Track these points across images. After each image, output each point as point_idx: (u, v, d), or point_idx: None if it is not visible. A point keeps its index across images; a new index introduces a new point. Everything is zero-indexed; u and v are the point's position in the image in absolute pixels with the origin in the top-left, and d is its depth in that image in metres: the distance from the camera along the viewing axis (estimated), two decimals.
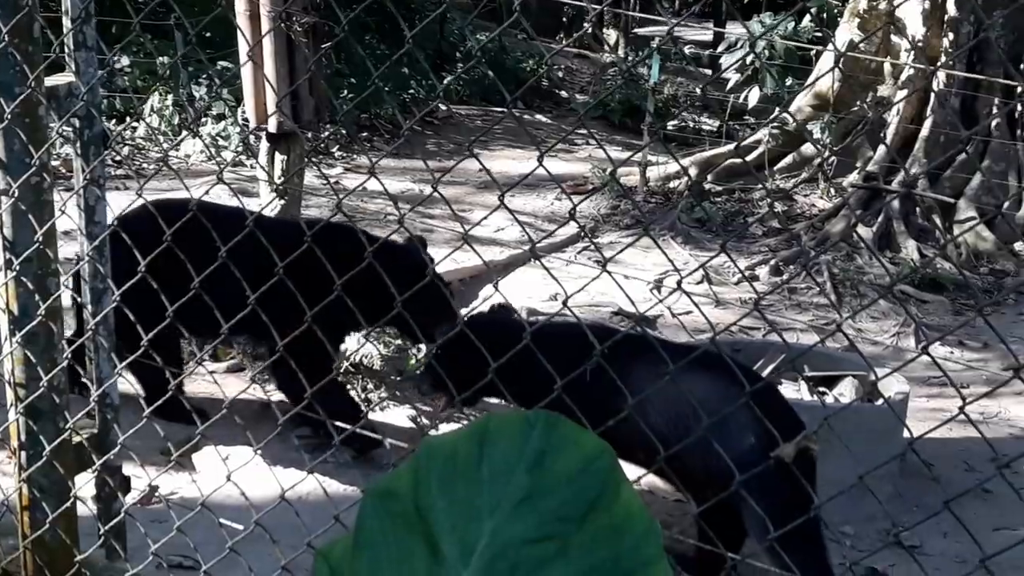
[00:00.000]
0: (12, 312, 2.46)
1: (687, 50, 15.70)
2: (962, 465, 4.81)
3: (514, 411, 4.01)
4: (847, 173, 8.81)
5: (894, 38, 8.92)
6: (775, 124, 8.93)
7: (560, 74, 13.50)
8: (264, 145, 5.25)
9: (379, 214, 7.52)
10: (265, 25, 4.77)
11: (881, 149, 8.60)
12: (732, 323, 2.18)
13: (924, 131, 8.51)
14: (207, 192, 2.36)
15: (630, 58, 13.97)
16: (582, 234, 7.40)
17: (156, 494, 3.70)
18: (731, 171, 8.99)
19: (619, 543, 0.98)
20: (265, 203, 5.13)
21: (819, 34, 9.55)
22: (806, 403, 4.27)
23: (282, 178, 5.14)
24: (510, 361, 2.01)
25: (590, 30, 13.89)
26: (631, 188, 8.76)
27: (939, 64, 8.38)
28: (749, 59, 8.85)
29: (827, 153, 8.85)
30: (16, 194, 2.38)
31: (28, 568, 2.57)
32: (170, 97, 8.46)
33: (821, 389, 4.62)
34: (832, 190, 8.71)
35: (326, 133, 9.00)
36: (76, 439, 2.56)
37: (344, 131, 9.29)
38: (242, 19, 4.85)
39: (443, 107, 10.51)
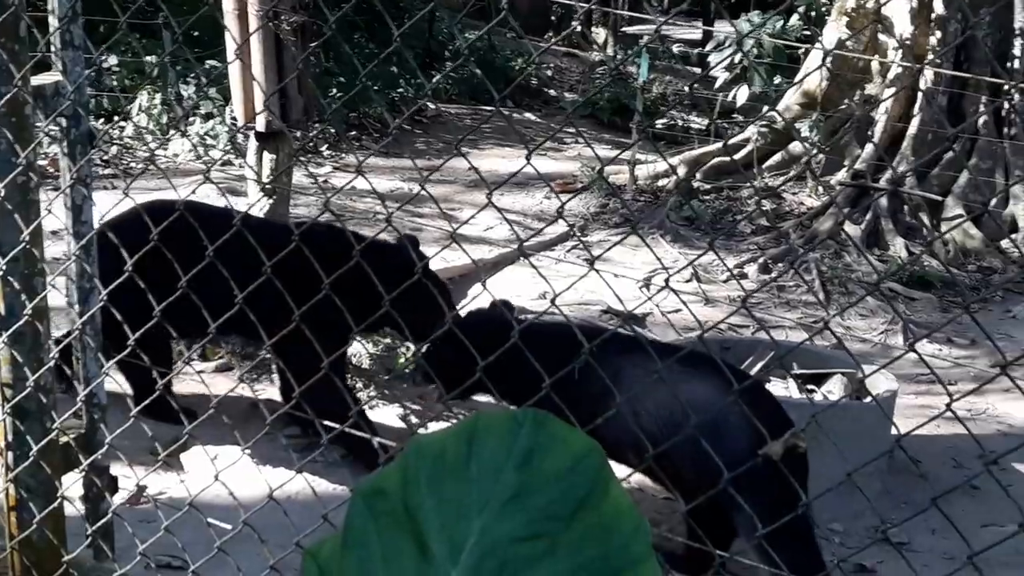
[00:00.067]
0: None
1: (676, 49, 15.70)
2: (950, 462, 4.83)
3: (503, 410, 4.01)
4: (835, 171, 8.83)
5: (881, 36, 8.94)
6: (763, 122, 8.95)
7: (549, 73, 13.49)
8: (252, 144, 5.24)
9: (368, 213, 7.51)
10: (253, 24, 4.75)
11: (869, 147, 8.62)
12: (720, 321, 2.19)
13: (912, 129, 8.54)
14: (194, 191, 2.36)
15: (619, 57, 13.98)
16: (571, 232, 7.40)
17: (144, 494, 3.70)
18: (720, 169, 9.00)
19: (608, 541, 0.98)
20: (253, 202, 5.12)
21: (807, 32, 9.57)
22: (795, 401, 4.28)
23: (270, 177, 5.13)
24: (500, 360, 2.01)
25: (578, 28, 13.92)
26: (620, 187, 8.77)
27: (926, 62, 8.41)
28: (737, 58, 8.87)
29: (815, 151, 8.87)
30: (2, 193, 2.37)
31: (15, 568, 2.57)
32: (158, 96, 8.43)
33: (810, 387, 4.63)
34: (820, 188, 8.73)
35: (314, 132, 8.99)
36: (63, 439, 2.55)
37: (333, 130, 9.27)
38: (230, 18, 4.84)
39: (431, 106, 10.50)
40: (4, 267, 2.41)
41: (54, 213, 2.48)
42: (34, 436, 2.50)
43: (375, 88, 10.01)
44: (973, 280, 7.54)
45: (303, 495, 3.57)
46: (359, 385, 4.93)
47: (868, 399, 4.47)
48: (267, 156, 5.17)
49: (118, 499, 2.76)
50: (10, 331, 2.45)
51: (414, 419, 4.77)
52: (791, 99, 9.21)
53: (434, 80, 10.49)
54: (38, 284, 2.47)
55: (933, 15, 8.60)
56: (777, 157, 9.10)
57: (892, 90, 8.70)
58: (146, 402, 2.52)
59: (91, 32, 7.30)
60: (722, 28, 12.58)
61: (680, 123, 11.50)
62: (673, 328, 5.90)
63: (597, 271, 1.87)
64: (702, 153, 9.19)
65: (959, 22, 8.34)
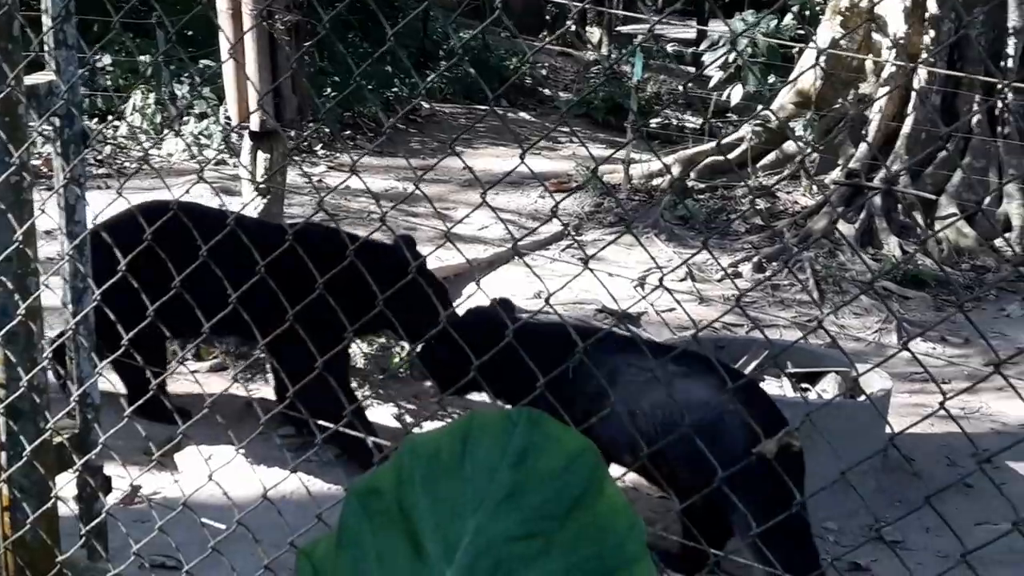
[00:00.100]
0: None
1: (670, 48, 15.71)
2: (944, 460, 4.84)
3: (498, 409, 4.01)
4: (829, 170, 8.84)
5: (875, 36, 8.95)
6: (757, 122, 8.96)
7: (544, 72, 13.48)
8: (247, 143, 5.23)
9: (362, 212, 7.51)
10: (247, 23, 4.75)
11: (863, 146, 8.63)
12: (714, 320, 2.19)
13: (906, 128, 8.55)
14: (187, 191, 2.35)
15: (613, 56, 13.98)
16: (565, 232, 7.40)
17: (138, 494, 3.69)
18: (714, 168, 9.00)
19: (602, 540, 0.98)
20: (247, 202, 5.12)
21: (801, 32, 9.58)
22: (789, 399, 4.29)
23: (265, 177, 5.12)
24: (496, 359, 2.01)
25: (573, 28, 13.91)
26: (615, 186, 8.77)
27: (920, 61, 8.42)
28: (731, 57, 8.87)
29: (809, 150, 8.88)
30: None
31: (9, 569, 2.56)
32: (152, 96, 8.42)
33: (804, 385, 4.63)
34: (815, 187, 8.74)
35: (308, 132, 8.98)
36: (57, 439, 2.55)
37: (327, 129, 9.26)
38: (224, 17, 4.83)
39: (426, 105, 10.49)
40: None
41: (47, 213, 2.48)
42: (27, 436, 2.49)
43: (369, 87, 10.00)
44: (967, 279, 7.55)
45: (297, 495, 3.57)
46: (353, 384, 4.93)
47: (862, 398, 4.48)
48: (261, 155, 5.16)
49: (112, 499, 2.75)
50: (4, 331, 2.44)
51: (408, 418, 4.77)
52: (785, 98, 9.22)
53: (428, 80, 10.49)
54: (31, 284, 2.47)
55: (927, 14, 8.61)
56: (772, 156, 9.11)
57: (886, 89, 8.71)
58: (140, 402, 2.52)
59: (85, 31, 7.28)
60: (716, 27, 12.58)
61: (675, 122, 11.50)
62: (667, 327, 5.90)
63: (591, 270, 1.87)
64: (696, 152, 9.20)
65: (953, 21, 8.35)
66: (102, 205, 2.51)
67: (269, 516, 2.31)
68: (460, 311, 4.00)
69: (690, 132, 10.67)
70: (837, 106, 9.03)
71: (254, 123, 5.05)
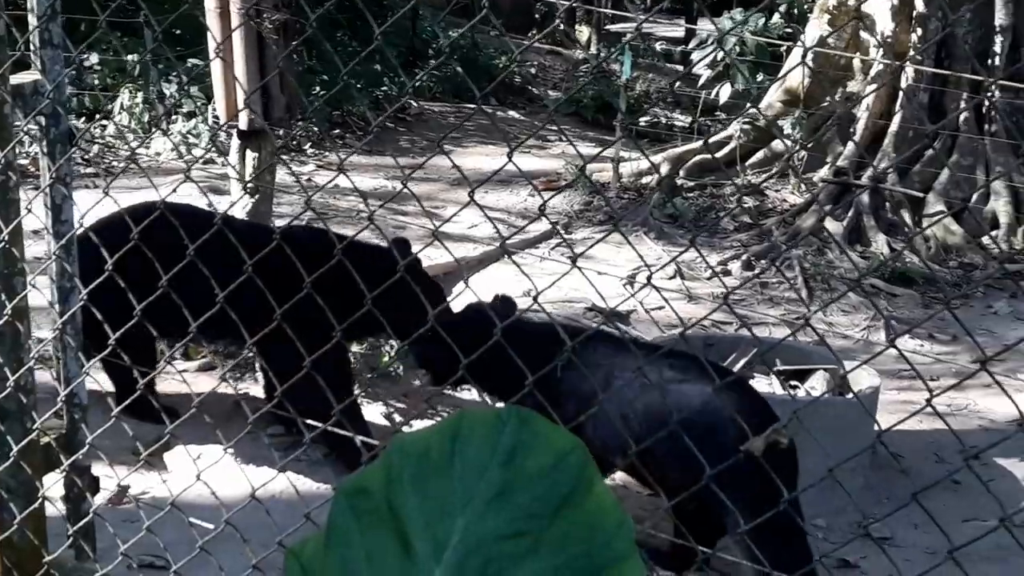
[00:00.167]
0: None
1: (658, 46, 15.72)
2: (932, 457, 4.85)
3: (487, 407, 4.01)
4: (818, 168, 8.86)
5: (863, 34, 8.98)
6: (746, 120, 8.97)
7: (533, 71, 13.49)
8: (235, 142, 5.22)
9: (351, 211, 7.49)
10: (235, 22, 4.73)
11: (851, 144, 8.66)
12: (702, 318, 2.19)
13: (893, 126, 8.57)
14: (174, 190, 2.34)
15: (602, 55, 13.98)
16: (554, 230, 7.40)
17: (127, 494, 3.68)
18: (703, 167, 9.01)
19: (591, 538, 0.98)
20: (235, 200, 5.10)
21: (789, 30, 9.60)
22: (778, 397, 4.29)
23: (253, 176, 5.11)
24: (489, 357, 2.01)
25: (561, 26, 13.91)
26: (604, 184, 8.78)
27: (907, 58, 8.45)
28: (719, 55, 8.88)
29: (797, 148, 8.90)
30: None
31: None
32: (140, 95, 8.39)
33: (793, 383, 4.64)
34: (803, 185, 8.76)
35: (297, 130, 8.97)
36: (44, 439, 2.54)
37: (316, 128, 9.25)
38: (212, 16, 4.82)
39: (414, 104, 10.48)
40: None
41: (34, 212, 2.47)
42: (14, 436, 2.48)
43: (358, 86, 9.98)
44: (954, 276, 7.58)
45: (286, 494, 3.57)
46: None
47: (850, 395, 4.49)
48: (250, 154, 5.15)
49: (99, 499, 2.75)
50: None
51: (398, 417, 4.76)
52: (774, 97, 9.23)
53: (416, 78, 10.48)
54: (18, 284, 2.46)
55: (914, 12, 8.64)
56: (760, 154, 9.13)
57: (873, 87, 8.73)
58: (127, 402, 2.52)
59: (72, 30, 7.26)
60: (705, 26, 12.60)
61: (663, 121, 11.52)
62: (656, 325, 5.91)
63: (579, 269, 1.87)
64: (685, 151, 9.21)
65: (940, 19, 8.38)
66: (90, 205, 2.51)
67: (257, 515, 2.30)
68: (457, 308, 3.99)
69: (679, 130, 10.68)
70: (825, 104, 9.05)
71: (242, 122, 5.04)
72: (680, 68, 13.97)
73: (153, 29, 7.80)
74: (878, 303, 6.88)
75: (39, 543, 2.55)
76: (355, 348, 5.16)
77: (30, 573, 2.53)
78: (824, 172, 8.71)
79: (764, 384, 4.55)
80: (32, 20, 2.39)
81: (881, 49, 8.74)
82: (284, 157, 8.34)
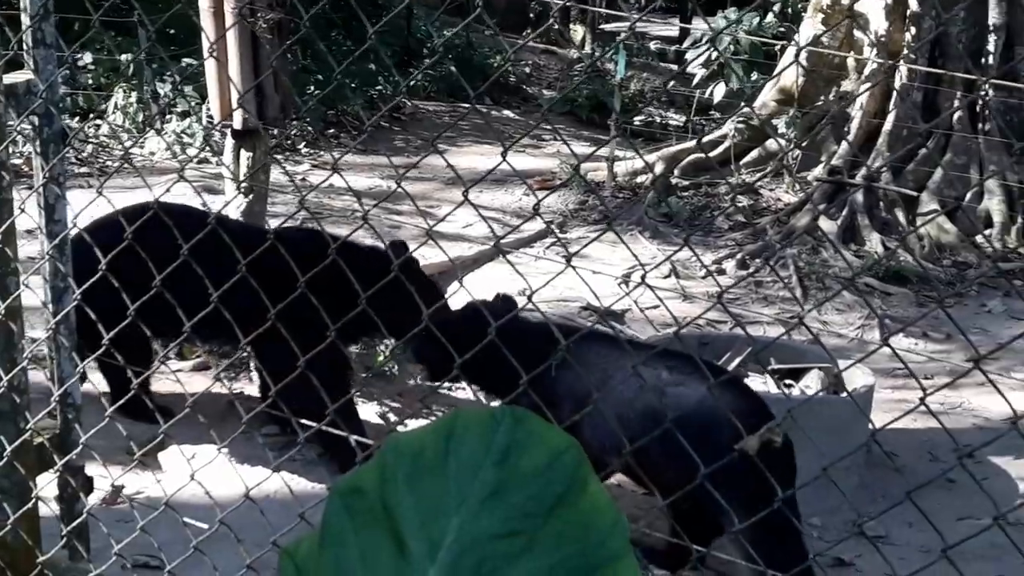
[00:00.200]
0: None
1: (653, 46, 15.72)
2: (927, 456, 4.86)
3: (482, 407, 4.01)
4: (812, 167, 8.87)
5: (857, 33, 8.99)
6: (740, 119, 8.98)
7: (527, 70, 13.49)
8: (229, 142, 5.21)
9: (346, 211, 7.49)
10: (229, 21, 4.73)
11: (845, 143, 8.66)
12: (696, 317, 2.19)
13: (887, 125, 8.58)
14: (168, 189, 2.34)
15: (596, 54, 13.98)
16: (549, 230, 7.41)
17: (121, 494, 3.68)
18: (697, 166, 9.02)
19: (586, 538, 0.98)
20: (229, 200, 5.09)
21: (782, 30, 9.61)
22: (772, 396, 4.30)
23: (247, 175, 5.10)
24: (487, 355, 2.01)
25: (556, 25, 13.90)
26: (599, 183, 8.78)
27: (900, 57, 8.46)
28: (714, 55, 8.89)
29: (791, 147, 8.91)
30: None
31: None
32: (134, 94, 8.38)
33: (787, 382, 4.65)
34: (797, 184, 8.77)
35: (291, 130, 8.95)
36: (37, 439, 2.53)
37: (310, 127, 9.24)
38: (206, 15, 4.81)
39: (408, 103, 10.47)
40: None
41: (27, 212, 2.47)
42: (8, 436, 2.48)
43: (352, 86, 9.97)
44: (948, 275, 7.59)
45: (280, 494, 3.56)
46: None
47: (844, 394, 4.50)
48: (244, 154, 5.14)
49: (93, 499, 2.74)
50: None
51: (392, 417, 4.76)
52: (768, 96, 9.24)
53: (410, 78, 10.47)
54: (11, 283, 2.45)
55: (908, 11, 8.65)
56: (755, 153, 9.13)
57: (868, 86, 8.74)
58: (121, 401, 2.51)
59: (66, 30, 7.25)
60: (699, 25, 12.60)
61: (658, 120, 11.52)
62: (651, 324, 5.91)
63: (574, 268, 1.87)
64: (680, 150, 9.21)
65: (933, 18, 8.38)
66: (84, 204, 2.50)
67: (252, 515, 2.30)
68: (456, 307, 3.99)
69: (673, 130, 10.69)
70: (819, 103, 9.06)
71: (236, 121, 5.03)
72: (674, 67, 13.98)
73: (147, 28, 7.79)
74: (872, 302, 6.89)
75: (33, 543, 2.54)
76: (352, 349, 5.15)
77: (24, 573, 2.53)
78: (818, 171, 8.72)
79: (759, 383, 4.55)
80: (25, 19, 2.38)
81: (875, 48, 8.76)
82: (278, 156, 8.33)
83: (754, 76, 9.32)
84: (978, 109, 8.59)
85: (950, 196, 8.26)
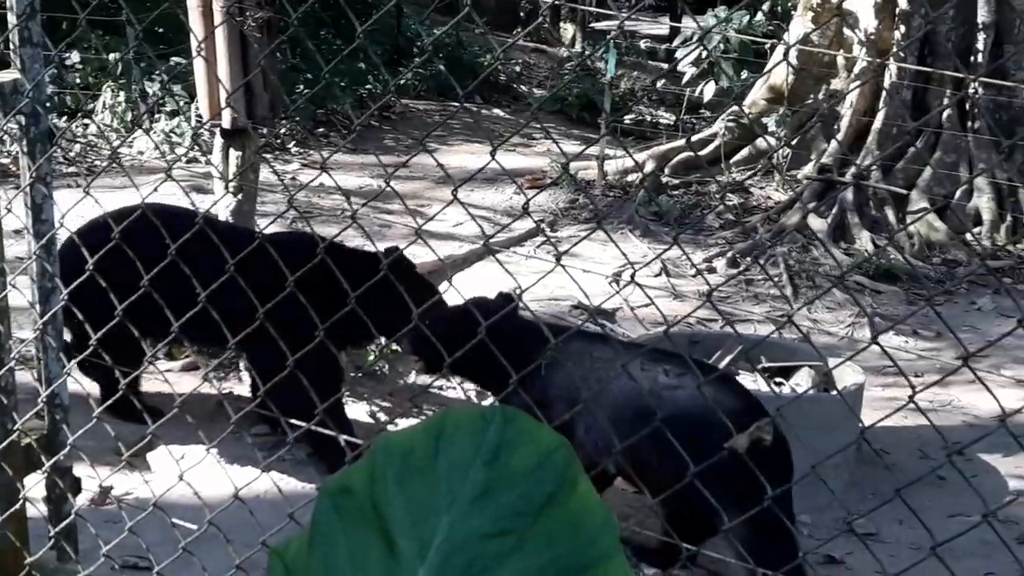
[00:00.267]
0: None
1: (643, 44, 15.73)
2: (917, 453, 4.87)
3: (472, 406, 4.01)
4: (802, 166, 8.89)
5: (846, 31, 9.01)
6: (730, 118, 8.98)
7: (517, 69, 13.48)
8: (218, 141, 5.19)
9: (335, 210, 7.48)
10: (217, 20, 4.71)
11: (835, 142, 8.68)
12: (686, 315, 2.19)
13: (877, 123, 8.60)
14: (156, 188, 2.33)
15: (586, 52, 13.99)
16: (539, 228, 7.40)
17: (109, 495, 3.66)
18: (688, 164, 9.03)
19: (576, 537, 0.98)
20: (218, 199, 5.08)
21: (771, 28, 9.62)
22: (763, 394, 4.30)
23: (237, 175, 5.08)
24: (484, 352, 2.01)
25: (546, 23, 13.90)
26: (590, 182, 8.78)
27: (889, 55, 8.48)
28: (704, 53, 8.89)
29: (782, 145, 8.93)
30: None
31: None
32: (122, 94, 8.35)
33: (778, 380, 4.65)
34: (787, 183, 8.78)
35: (280, 129, 8.94)
36: (25, 440, 2.52)
37: (300, 126, 9.22)
38: (194, 14, 4.79)
39: (398, 102, 10.46)
40: None
41: (14, 212, 2.45)
42: None
43: (342, 85, 9.96)
44: (938, 273, 7.61)
45: (270, 494, 3.55)
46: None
47: (835, 392, 4.51)
48: (233, 153, 5.13)
49: (81, 500, 2.73)
50: None
51: (382, 416, 4.75)
52: (758, 94, 9.25)
53: (398, 77, 10.46)
54: None
55: (897, 10, 8.67)
56: (744, 152, 9.15)
57: (857, 84, 8.76)
58: (109, 402, 2.50)
59: (54, 29, 7.22)
60: (690, 24, 12.62)
61: (648, 118, 11.53)
62: (641, 323, 5.92)
63: (563, 266, 1.86)
64: (670, 148, 9.22)
65: (923, 17, 8.40)
66: (72, 204, 2.49)
67: (241, 516, 2.29)
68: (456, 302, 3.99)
69: (664, 128, 10.69)
70: (809, 102, 9.08)
71: (225, 120, 5.01)
72: (664, 66, 13.99)
73: (134, 27, 7.77)
74: (862, 300, 6.90)
75: (20, 544, 2.53)
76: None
77: (12, 574, 2.51)
78: (808, 169, 8.73)
79: (749, 381, 4.56)
80: (11, 18, 2.37)
81: (864, 46, 8.77)
82: (268, 156, 8.31)
83: (744, 74, 9.33)
84: (967, 107, 8.61)
85: (940, 194, 8.29)
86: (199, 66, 5.02)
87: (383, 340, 4.71)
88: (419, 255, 5.81)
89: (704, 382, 3.38)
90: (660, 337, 2.14)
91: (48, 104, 2.50)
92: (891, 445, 4.79)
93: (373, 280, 2.15)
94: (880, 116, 8.60)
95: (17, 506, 2.51)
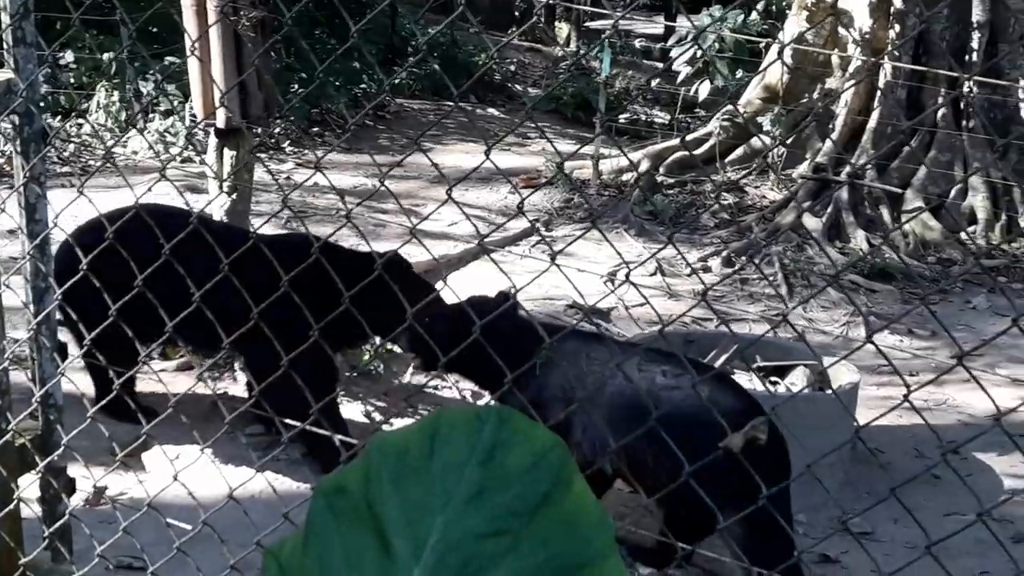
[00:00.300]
0: None
1: (638, 43, 15.73)
2: (912, 452, 4.87)
3: (467, 406, 4.00)
4: (797, 165, 8.90)
5: (841, 31, 9.01)
6: (726, 116, 8.99)
7: (512, 68, 13.48)
8: (212, 141, 5.19)
9: (330, 210, 7.47)
10: (211, 19, 4.70)
11: (829, 141, 8.69)
12: (680, 315, 2.19)
13: (871, 123, 8.61)
14: (150, 188, 2.33)
15: (581, 52, 13.99)
16: (534, 228, 7.40)
17: (104, 495, 3.65)
18: (683, 164, 9.03)
19: (571, 537, 0.97)
20: (212, 198, 5.07)
21: (765, 27, 9.62)
22: (758, 393, 4.30)
23: (231, 174, 5.08)
24: (481, 350, 2.01)
25: (541, 22, 13.90)
26: (585, 181, 8.78)
27: (883, 54, 8.49)
28: (698, 52, 8.90)
29: (777, 144, 8.93)
30: None
31: None
32: (116, 93, 8.33)
33: (773, 379, 4.66)
34: (782, 182, 8.79)
35: (274, 128, 8.92)
36: (19, 440, 2.51)
37: (294, 126, 9.21)
38: (188, 13, 4.78)
39: (392, 101, 10.45)
40: None
41: (8, 212, 2.45)
42: None
43: (336, 84, 9.95)
44: (933, 272, 7.62)
45: (264, 494, 3.54)
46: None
47: (830, 391, 4.51)
48: (227, 153, 5.12)
49: (76, 500, 2.72)
50: None
51: (377, 416, 4.75)
52: (753, 93, 9.26)
53: (394, 76, 10.44)
54: None
55: (892, 9, 8.68)
56: (739, 151, 9.15)
57: (852, 84, 8.77)
58: (103, 402, 2.50)
59: (47, 28, 7.20)
60: (684, 23, 12.62)
61: (643, 118, 11.53)
62: (636, 323, 5.92)
63: (558, 266, 1.86)
64: (665, 147, 9.22)
65: (917, 16, 8.41)
66: (66, 204, 2.48)
67: (235, 516, 2.28)
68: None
69: (658, 127, 10.69)
70: (804, 101, 9.08)
71: (220, 120, 5.00)
72: (659, 65, 13.99)
73: (128, 27, 7.75)
74: (857, 299, 6.91)
75: (15, 545, 2.52)
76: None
77: (6, 575, 2.51)
78: (803, 168, 8.74)
79: (744, 380, 4.56)
80: (4, 18, 2.36)
81: (859, 46, 8.78)
82: (262, 155, 8.30)
83: (739, 74, 9.34)
84: (962, 106, 8.62)
85: (934, 193, 8.30)
86: (193, 65, 5.01)
87: (378, 340, 4.71)
88: (414, 255, 5.81)
89: (699, 381, 3.38)
90: (655, 336, 2.14)
91: (42, 104, 2.50)
92: (886, 444, 4.79)
93: (367, 280, 2.15)
94: (875, 115, 8.61)
95: (11, 507, 2.51)
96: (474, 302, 3.83)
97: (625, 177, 8.94)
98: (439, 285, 4.51)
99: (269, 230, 5.68)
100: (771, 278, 7.09)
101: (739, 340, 4.58)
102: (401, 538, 0.97)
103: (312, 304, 2.29)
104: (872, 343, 1.69)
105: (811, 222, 7.97)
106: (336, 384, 4.37)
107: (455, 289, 3.44)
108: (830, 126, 8.85)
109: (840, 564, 4.01)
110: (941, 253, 7.91)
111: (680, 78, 9.59)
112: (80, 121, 8.39)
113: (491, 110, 11.47)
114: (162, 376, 4.81)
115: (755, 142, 9.10)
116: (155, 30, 8.85)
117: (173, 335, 2.39)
